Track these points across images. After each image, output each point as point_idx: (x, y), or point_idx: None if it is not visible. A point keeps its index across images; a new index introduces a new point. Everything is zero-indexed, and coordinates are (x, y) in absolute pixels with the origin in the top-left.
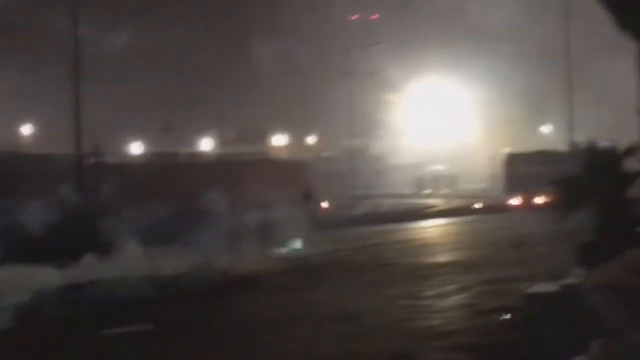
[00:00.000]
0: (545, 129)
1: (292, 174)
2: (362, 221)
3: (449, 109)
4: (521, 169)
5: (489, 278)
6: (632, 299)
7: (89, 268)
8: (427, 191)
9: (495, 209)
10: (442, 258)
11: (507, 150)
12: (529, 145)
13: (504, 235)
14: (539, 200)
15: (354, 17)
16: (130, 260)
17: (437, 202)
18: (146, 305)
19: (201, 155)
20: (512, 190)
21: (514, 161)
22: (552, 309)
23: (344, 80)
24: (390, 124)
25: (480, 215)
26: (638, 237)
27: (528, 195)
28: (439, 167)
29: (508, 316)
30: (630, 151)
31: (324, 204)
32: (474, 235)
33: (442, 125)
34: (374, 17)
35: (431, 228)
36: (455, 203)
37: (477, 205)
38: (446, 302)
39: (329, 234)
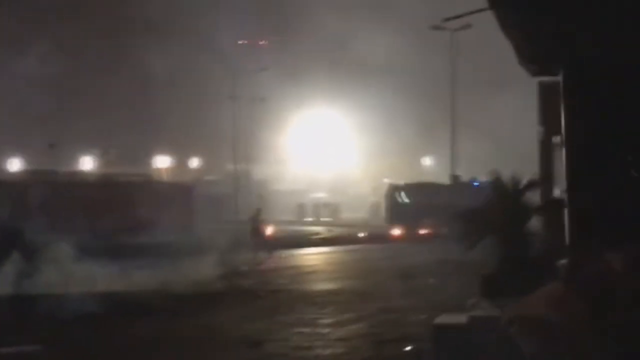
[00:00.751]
0: (427, 160)
1: (175, 196)
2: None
3: (333, 137)
4: (403, 200)
5: (385, 307)
6: (547, 331)
7: None
8: (308, 219)
9: (378, 238)
10: (334, 285)
11: (388, 180)
12: (410, 176)
13: (393, 265)
14: (422, 231)
15: (243, 42)
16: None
17: (320, 230)
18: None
19: (82, 174)
20: (394, 221)
21: (396, 192)
22: (461, 340)
23: (230, 105)
24: (275, 149)
25: (365, 245)
26: (539, 271)
27: (410, 226)
28: (320, 195)
29: (410, 347)
30: (532, 184)
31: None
32: (362, 263)
33: (326, 153)
34: (262, 42)
35: (317, 255)
36: (338, 231)
37: (361, 234)
38: (346, 331)
39: (214, 258)
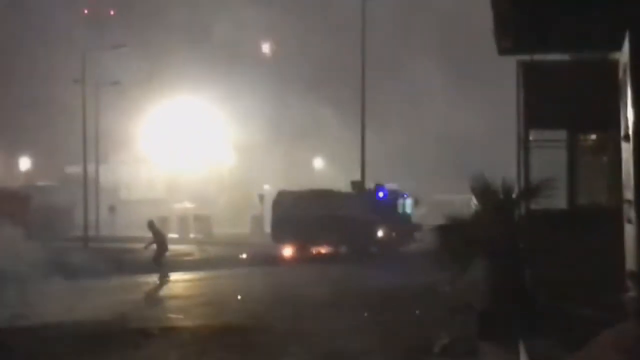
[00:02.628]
0: (319, 162)
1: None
2: (100, 269)
3: (202, 133)
4: (294, 212)
5: (329, 351)
6: None
7: None
8: (174, 235)
9: (266, 260)
10: (240, 320)
11: (269, 187)
12: (298, 181)
13: (305, 293)
14: (319, 249)
15: (88, 10)
16: None
17: (191, 250)
18: None
19: None
20: (281, 239)
21: (285, 202)
22: None
23: (74, 90)
24: (129, 148)
25: (251, 268)
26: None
27: (302, 243)
28: (187, 205)
29: None
30: (534, 192)
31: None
32: (260, 292)
33: (192, 152)
34: (112, 12)
35: (196, 282)
36: (214, 251)
37: (243, 255)
38: None
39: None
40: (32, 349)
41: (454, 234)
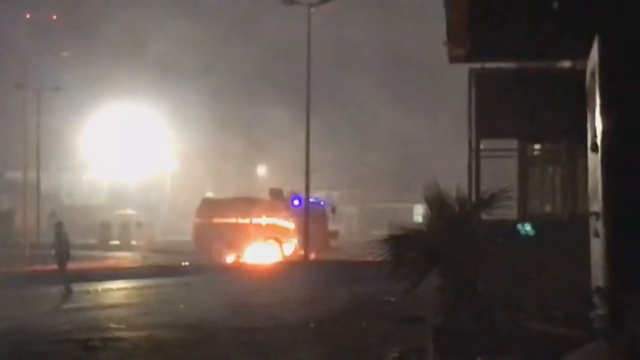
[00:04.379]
0: (262, 170)
1: None
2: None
3: (142, 141)
4: (215, 219)
5: None
6: None
7: None
8: (115, 242)
9: (208, 268)
10: (182, 331)
11: (211, 194)
12: (243, 188)
13: (245, 302)
14: (257, 256)
15: (30, 15)
16: None
17: (132, 257)
18: None
19: None
20: (202, 244)
21: (206, 209)
22: None
23: (15, 95)
24: (70, 153)
25: (193, 276)
26: (494, 321)
27: (222, 250)
28: (129, 212)
29: None
30: (488, 202)
31: None
32: (202, 301)
33: (133, 159)
34: (54, 17)
35: (134, 291)
36: (156, 259)
37: (185, 263)
38: None
39: None
40: None
41: (408, 245)
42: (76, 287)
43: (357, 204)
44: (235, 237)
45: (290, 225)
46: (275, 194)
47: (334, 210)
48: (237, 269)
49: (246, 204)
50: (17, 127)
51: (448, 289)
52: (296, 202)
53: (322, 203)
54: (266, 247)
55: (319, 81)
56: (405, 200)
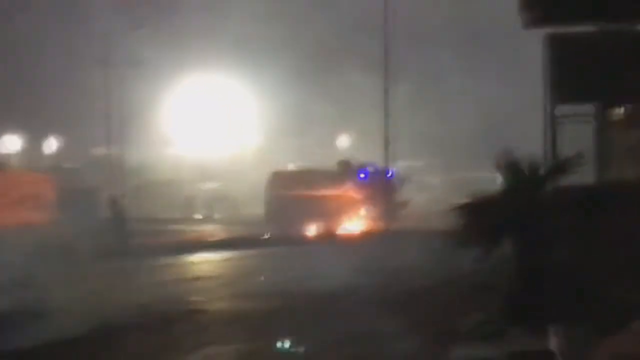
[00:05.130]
0: (344, 140)
1: (31, 189)
2: (125, 252)
3: (227, 114)
4: (285, 192)
5: (348, 335)
6: None
7: None
8: (199, 215)
9: (287, 239)
10: (263, 302)
11: (294, 165)
12: (324, 160)
13: (325, 274)
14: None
15: None
16: None
17: (216, 230)
18: None
19: None
20: (272, 219)
21: (277, 182)
22: None
23: (98, 72)
24: (154, 128)
25: (274, 248)
26: (568, 288)
27: (292, 223)
28: (213, 186)
29: None
30: (562, 168)
31: None
32: (283, 273)
33: (217, 133)
34: None
35: (217, 263)
36: (239, 232)
37: (266, 236)
38: None
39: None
40: None
41: (481, 212)
42: (160, 261)
43: (440, 173)
44: (304, 209)
45: (358, 196)
46: (343, 165)
47: (402, 180)
48: (315, 241)
49: (314, 176)
50: (100, 104)
51: (521, 256)
52: (362, 175)
53: (390, 173)
54: (336, 219)
55: (399, 54)
56: (488, 169)
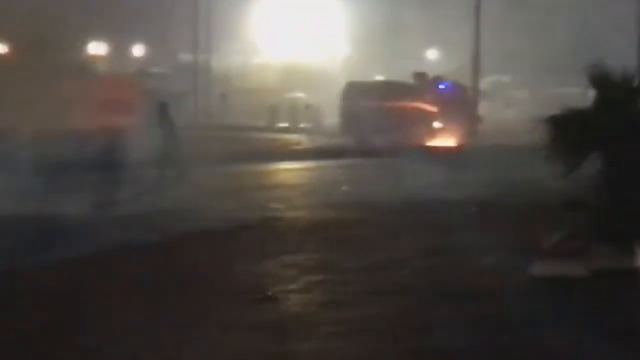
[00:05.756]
0: (431, 54)
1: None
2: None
3: (315, 23)
4: (359, 103)
5: (431, 248)
6: None
7: None
8: (283, 124)
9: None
10: (342, 212)
11: (382, 77)
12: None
13: (409, 185)
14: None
15: None
16: None
17: (299, 139)
18: None
19: None
20: (347, 129)
21: (352, 93)
22: (588, 300)
23: None
24: (243, 37)
25: (357, 159)
26: None
27: (366, 135)
28: (298, 95)
29: None
30: None
31: None
32: (364, 183)
33: (304, 42)
34: None
35: (298, 172)
36: (323, 141)
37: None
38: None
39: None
40: None
41: (569, 126)
42: (242, 168)
43: (529, 89)
44: (377, 120)
45: (433, 109)
46: (420, 77)
47: (483, 95)
48: (398, 152)
49: (389, 87)
50: (188, 11)
51: (609, 172)
52: (442, 87)
53: (461, 87)
54: (410, 131)
55: None
56: (579, 85)
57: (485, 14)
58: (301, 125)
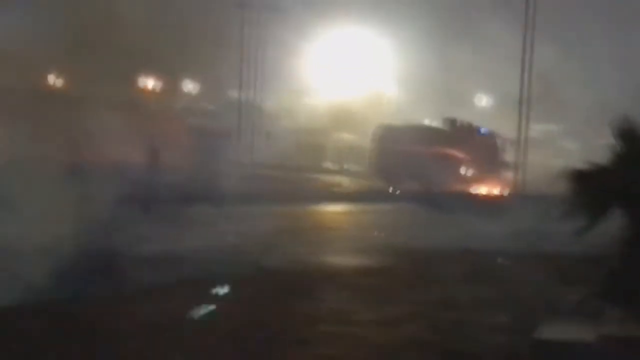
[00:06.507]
0: (482, 100)
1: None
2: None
3: (364, 66)
4: (392, 146)
5: (442, 300)
6: None
7: None
8: (327, 165)
9: (418, 195)
10: (370, 259)
11: (429, 121)
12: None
13: (438, 236)
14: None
15: None
16: None
17: (342, 181)
18: None
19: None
20: (380, 174)
21: (384, 136)
22: None
23: (237, 16)
24: (291, 76)
25: (400, 203)
26: None
27: (397, 179)
28: (344, 136)
29: None
30: None
31: None
32: (399, 230)
33: (353, 85)
34: None
35: (341, 215)
36: (366, 184)
37: (391, 190)
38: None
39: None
40: None
41: (590, 179)
42: (272, 209)
43: (582, 139)
44: (406, 164)
45: (463, 155)
46: (450, 123)
47: (508, 143)
48: (430, 198)
49: (420, 132)
50: (236, 49)
51: (630, 230)
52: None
53: (497, 136)
54: (438, 177)
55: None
56: None
57: (540, 60)
58: (345, 167)
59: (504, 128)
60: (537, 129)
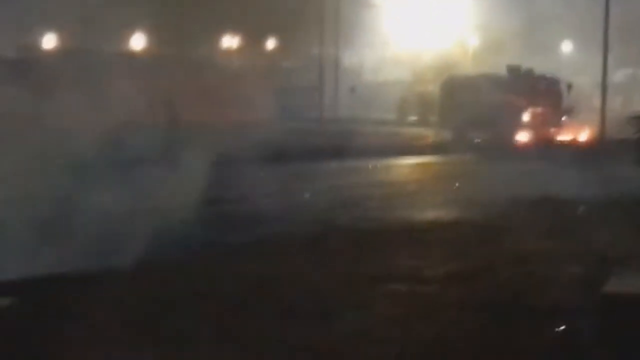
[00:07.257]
0: (567, 46)
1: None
2: (331, 152)
3: (446, 17)
4: (459, 97)
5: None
6: None
7: None
8: (412, 118)
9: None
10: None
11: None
12: (543, 66)
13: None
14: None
15: None
16: None
17: (426, 133)
18: None
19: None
20: (447, 124)
21: (451, 86)
22: None
23: None
24: (372, 30)
25: (483, 154)
26: None
27: (464, 130)
28: (429, 88)
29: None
30: None
31: None
32: (481, 181)
33: (435, 37)
34: None
35: (421, 167)
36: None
37: (477, 141)
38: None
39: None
40: None
41: None
42: (360, 163)
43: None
44: (475, 114)
45: (527, 103)
46: (513, 70)
47: (569, 87)
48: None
49: (487, 81)
50: (316, 4)
51: None
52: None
53: (559, 82)
54: (504, 126)
55: None
56: None
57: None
58: (431, 119)
59: (588, 74)
60: (622, 73)
